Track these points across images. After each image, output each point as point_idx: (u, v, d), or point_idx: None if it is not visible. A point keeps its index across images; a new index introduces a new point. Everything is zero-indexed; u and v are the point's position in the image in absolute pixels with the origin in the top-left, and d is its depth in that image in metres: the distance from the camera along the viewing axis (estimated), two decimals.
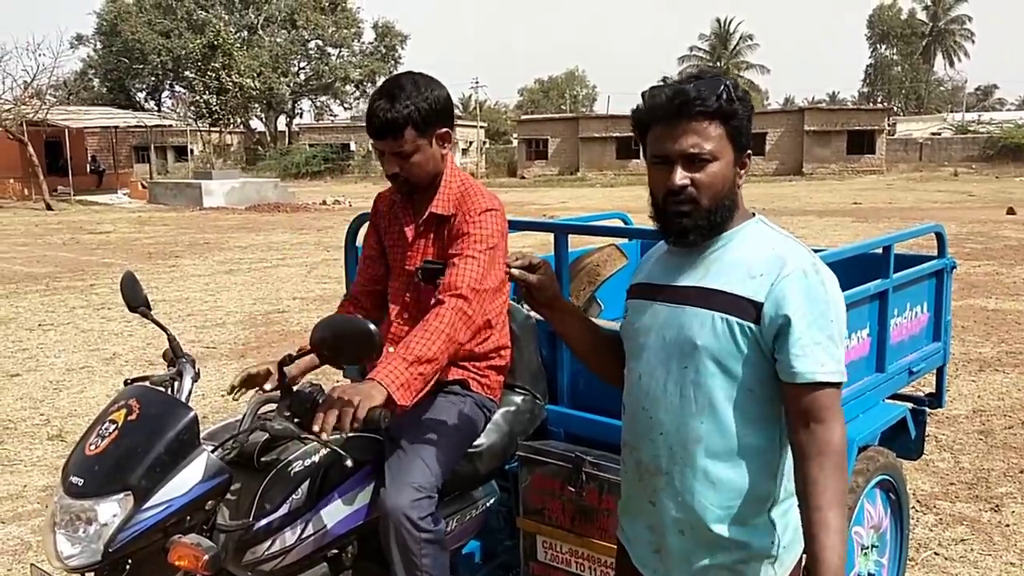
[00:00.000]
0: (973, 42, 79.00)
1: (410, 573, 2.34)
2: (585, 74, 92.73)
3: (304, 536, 2.29)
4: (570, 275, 3.57)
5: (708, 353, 1.73)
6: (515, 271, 1.91)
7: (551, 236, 3.19)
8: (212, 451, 2.10)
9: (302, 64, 59.24)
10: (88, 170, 39.17)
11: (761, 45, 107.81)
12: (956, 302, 6.91)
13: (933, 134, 51.38)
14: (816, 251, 1.94)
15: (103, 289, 11.55)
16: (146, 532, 1.95)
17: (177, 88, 57.30)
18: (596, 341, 2.06)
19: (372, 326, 2.12)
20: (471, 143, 55.08)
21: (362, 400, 2.11)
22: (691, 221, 1.74)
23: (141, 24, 53.68)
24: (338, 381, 2.86)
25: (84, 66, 58.91)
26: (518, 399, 2.81)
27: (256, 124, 59.07)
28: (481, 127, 58.73)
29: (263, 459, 2.28)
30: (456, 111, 2.71)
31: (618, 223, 4.50)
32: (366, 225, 2.91)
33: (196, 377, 2.36)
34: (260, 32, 56.03)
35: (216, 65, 44.75)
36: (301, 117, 62.95)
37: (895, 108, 66.67)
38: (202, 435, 2.13)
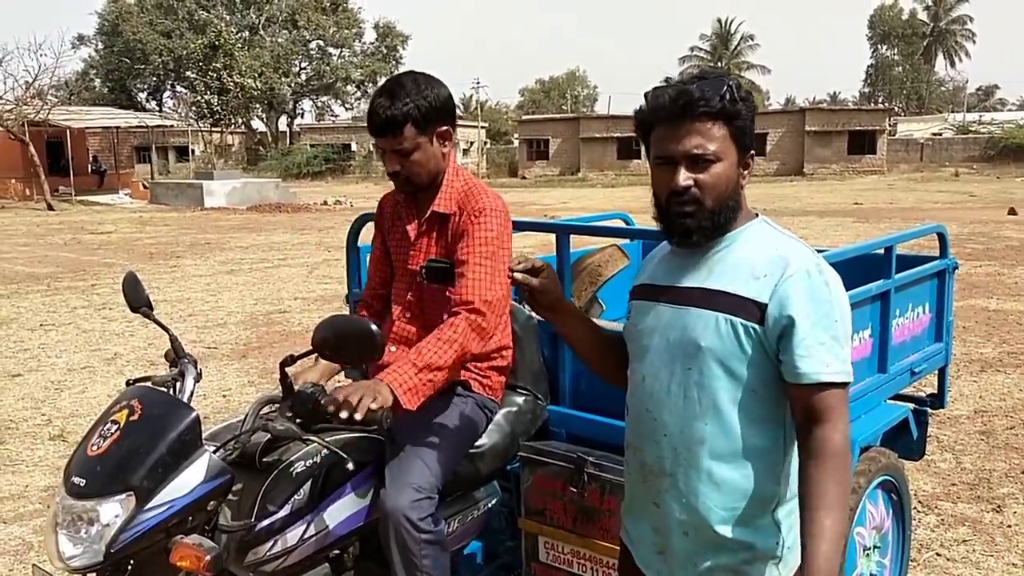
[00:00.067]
0: (974, 42, 79.07)
1: (410, 574, 2.34)
2: (586, 74, 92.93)
3: (306, 537, 2.29)
4: (572, 275, 3.56)
5: (712, 354, 1.73)
6: (518, 276, 1.90)
7: (552, 236, 3.19)
8: (214, 452, 2.10)
9: (303, 64, 59.30)
10: (89, 170, 39.20)
11: (762, 45, 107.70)
12: (957, 303, 6.91)
13: (934, 134, 51.35)
14: (818, 251, 1.94)
15: (104, 289, 11.55)
16: (148, 533, 1.95)
17: (178, 88, 57.40)
18: (599, 343, 2.05)
19: (374, 326, 2.13)
20: (472, 143, 55.09)
21: (376, 395, 2.14)
22: (695, 222, 1.74)
23: (142, 24, 53.74)
24: (339, 382, 2.86)
25: (85, 66, 59.01)
26: (520, 399, 2.80)
27: (257, 124, 59.12)
28: (482, 127, 58.73)
29: (265, 460, 2.28)
30: (457, 111, 2.71)
31: (619, 223, 4.49)
32: (369, 226, 2.92)
33: (198, 377, 2.36)
34: (261, 32, 56.07)
35: (217, 65, 44.75)
36: (302, 117, 63.06)
37: (896, 108, 66.61)
38: (204, 435, 2.13)
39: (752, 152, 1.78)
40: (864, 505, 2.93)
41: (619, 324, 2.10)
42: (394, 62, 58.69)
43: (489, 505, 2.77)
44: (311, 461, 2.31)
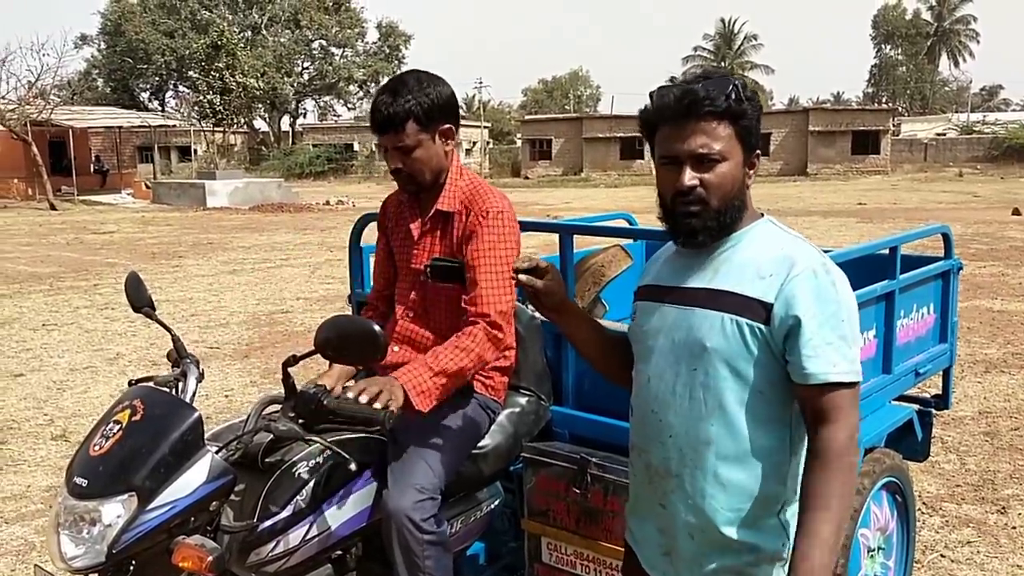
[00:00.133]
0: (978, 42, 79.01)
1: (412, 575, 2.33)
2: (589, 74, 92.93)
3: (308, 537, 2.29)
4: (575, 276, 3.55)
5: (718, 355, 1.72)
6: (523, 278, 1.89)
7: (555, 236, 3.18)
8: (216, 452, 2.10)
9: (306, 64, 59.34)
10: (92, 170, 39.18)
11: (765, 45, 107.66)
12: (961, 303, 6.89)
13: (938, 134, 51.31)
14: (823, 251, 1.93)
15: (107, 289, 11.56)
16: (150, 533, 1.95)
17: (181, 88, 57.45)
18: (604, 343, 2.04)
19: (376, 327, 2.13)
20: (475, 143, 55.10)
21: (391, 396, 2.20)
22: (700, 222, 1.73)
23: (145, 24, 53.82)
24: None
25: (88, 66, 59.11)
26: (523, 400, 2.80)
27: (260, 124, 59.22)
28: (485, 127, 58.72)
29: (267, 460, 2.27)
30: (460, 110, 2.71)
31: (623, 224, 4.48)
32: (372, 226, 2.92)
33: (200, 377, 2.36)
34: (264, 32, 56.13)
35: (220, 65, 44.78)
36: (305, 117, 63.15)
37: (900, 108, 66.46)
38: (206, 436, 2.12)
39: (758, 152, 1.77)
40: (868, 506, 2.92)
41: (623, 325, 2.10)
42: (397, 62, 58.73)
43: (492, 506, 2.77)
44: (313, 462, 2.31)
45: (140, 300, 2.54)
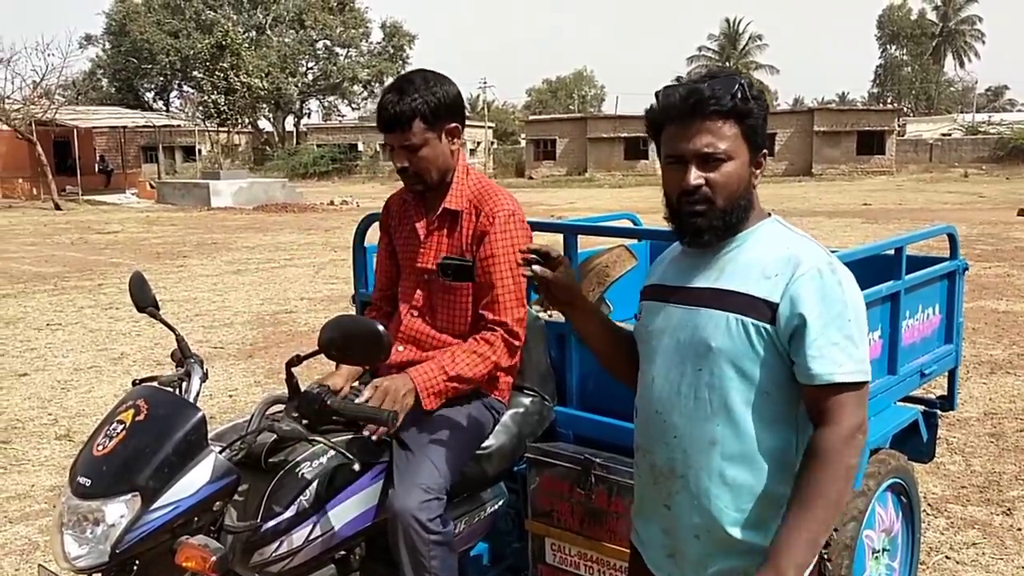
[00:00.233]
0: (983, 43, 78.77)
1: (418, 574, 2.33)
2: (593, 74, 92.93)
3: (312, 537, 2.28)
4: (579, 276, 3.55)
5: (723, 355, 1.71)
6: (537, 269, 1.87)
7: (560, 237, 3.18)
8: (220, 452, 2.10)
9: (310, 64, 59.44)
10: (96, 170, 39.26)
11: (770, 45, 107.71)
12: (967, 304, 6.87)
13: (943, 135, 51.20)
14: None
15: (111, 289, 11.57)
16: (153, 533, 1.95)
17: (185, 88, 57.53)
18: (612, 339, 2.03)
19: (380, 327, 2.13)
20: (479, 143, 55.09)
21: (405, 403, 2.35)
22: (706, 221, 1.72)
23: (150, 24, 53.92)
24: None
25: (93, 66, 59.25)
26: (527, 400, 2.79)
27: (264, 124, 59.34)
28: (489, 127, 58.72)
29: (271, 460, 2.27)
30: (466, 110, 2.71)
31: (627, 224, 4.48)
32: (376, 226, 2.92)
33: (204, 377, 2.35)
34: (268, 32, 56.21)
35: (224, 65, 44.87)
36: (309, 117, 63.21)
37: (905, 109, 66.38)
38: (210, 436, 2.12)
39: (764, 151, 1.76)
40: (873, 507, 2.91)
41: (628, 324, 2.09)
42: (401, 62, 58.78)
43: (496, 506, 2.76)
44: (317, 462, 2.31)
45: (144, 300, 2.54)
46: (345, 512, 2.36)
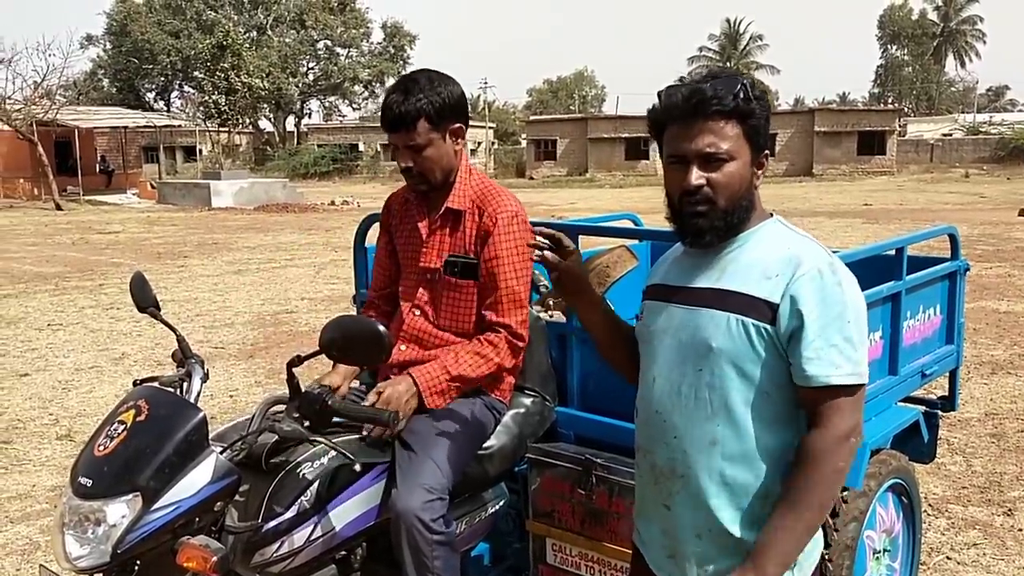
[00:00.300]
0: (984, 43, 78.75)
1: (421, 575, 2.33)
2: (594, 74, 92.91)
3: (313, 538, 2.28)
4: None
5: (724, 355, 1.71)
6: (549, 255, 1.87)
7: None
8: (221, 452, 2.10)
9: (311, 64, 59.45)
10: (97, 170, 39.26)
11: (771, 46, 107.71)
12: (968, 304, 6.87)
13: (944, 135, 51.19)
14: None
15: (112, 289, 11.58)
16: (155, 533, 1.95)
17: (186, 88, 57.59)
18: (618, 334, 2.03)
19: (381, 327, 2.13)
20: (480, 144, 55.11)
21: (408, 410, 2.39)
22: (707, 222, 1.72)
23: (151, 24, 53.94)
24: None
25: (94, 66, 59.28)
26: (528, 401, 2.79)
27: (265, 124, 59.37)
28: (490, 128, 58.75)
29: (272, 461, 2.27)
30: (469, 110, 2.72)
31: (628, 224, 4.48)
32: (376, 226, 2.92)
33: (205, 378, 2.35)
34: (269, 32, 56.23)
35: (225, 65, 44.90)
36: (310, 117, 63.23)
37: (906, 109, 66.37)
38: (211, 436, 2.12)
39: (766, 152, 1.76)
40: (874, 508, 2.91)
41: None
42: (402, 62, 58.80)
43: (497, 507, 2.76)
44: (318, 462, 2.31)
45: (145, 300, 2.54)
46: (346, 512, 2.36)
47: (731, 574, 1.70)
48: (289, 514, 2.24)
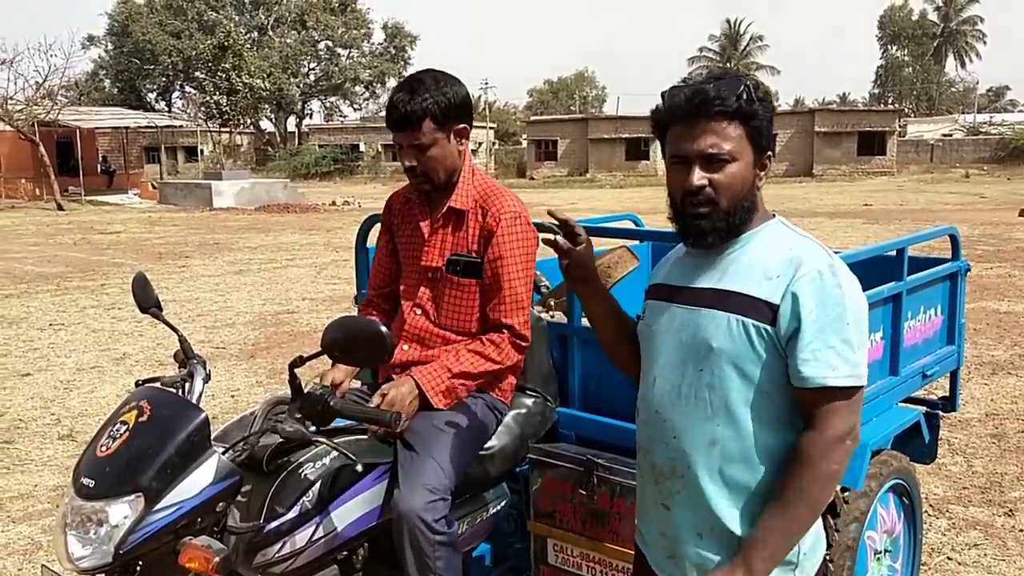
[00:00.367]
0: (985, 43, 78.69)
1: (423, 575, 2.33)
2: (594, 75, 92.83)
3: (315, 538, 2.29)
4: None
5: (724, 356, 1.71)
6: (560, 240, 1.88)
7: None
8: (223, 453, 2.10)
9: (312, 65, 59.45)
10: (99, 170, 39.25)
11: (771, 46, 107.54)
12: (968, 305, 6.87)
13: (944, 135, 51.16)
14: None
15: (114, 289, 11.58)
16: (157, 534, 1.95)
17: (187, 89, 57.63)
18: (621, 327, 2.03)
19: (383, 328, 2.13)
20: (480, 144, 55.08)
21: (410, 411, 2.41)
22: (709, 223, 1.72)
23: (152, 25, 53.95)
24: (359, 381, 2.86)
25: (95, 67, 59.31)
26: (529, 401, 2.79)
27: (266, 125, 59.33)
28: (490, 128, 58.71)
29: (274, 461, 2.27)
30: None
31: (629, 225, 4.48)
32: (377, 226, 2.92)
33: (207, 378, 2.36)
34: (270, 33, 56.23)
35: (226, 66, 44.95)
36: (311, 118, 63.21)
37: (906, 109, 66.32)
38: (213, 436, 2.12)
39: (769, 153, 1.76)
40: (875, 508, 2.91)
41: None
42: (403, 63, 58.80)
43: (498, 507, 2.76)
44: (320, 463, 2.31)
45: (147, 300, 2.55)
46: (348, 513, 2.36)
47: (719, 570, 1.70)
48: (291, 515, 2.24)
